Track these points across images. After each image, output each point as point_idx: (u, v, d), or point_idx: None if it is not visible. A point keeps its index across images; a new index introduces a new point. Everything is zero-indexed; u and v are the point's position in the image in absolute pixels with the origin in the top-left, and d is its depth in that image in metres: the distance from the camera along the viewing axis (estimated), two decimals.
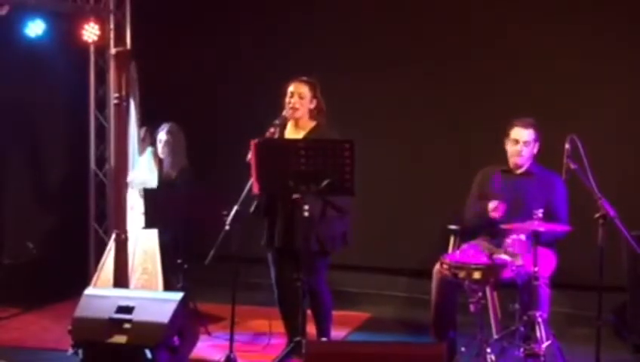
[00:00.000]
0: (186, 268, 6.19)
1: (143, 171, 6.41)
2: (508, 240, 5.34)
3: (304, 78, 5.54)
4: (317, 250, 5.35)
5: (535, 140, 5.59)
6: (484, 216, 5.55)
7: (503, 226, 5.33)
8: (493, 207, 5.47)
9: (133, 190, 6.27)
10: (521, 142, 5.57)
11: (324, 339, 5.58)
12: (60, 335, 5.70)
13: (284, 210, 5.38)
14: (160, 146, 6.51)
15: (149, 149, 6.55)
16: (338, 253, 5.59)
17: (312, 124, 5.53)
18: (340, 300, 6.64)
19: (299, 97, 5.48)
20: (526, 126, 5.58)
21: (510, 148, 5.62)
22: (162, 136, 6.49)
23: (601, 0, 6.64)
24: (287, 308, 5.59)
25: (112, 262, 5.75)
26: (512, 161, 5.63)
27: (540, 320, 5.08)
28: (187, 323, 5.29)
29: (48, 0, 7.13)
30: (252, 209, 5.47)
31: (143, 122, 6.39)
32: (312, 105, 5.52)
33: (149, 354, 4.91)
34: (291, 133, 5.55)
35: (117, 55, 5.87)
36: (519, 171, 5.65)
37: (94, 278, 6.22)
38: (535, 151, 5.62)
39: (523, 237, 5.27)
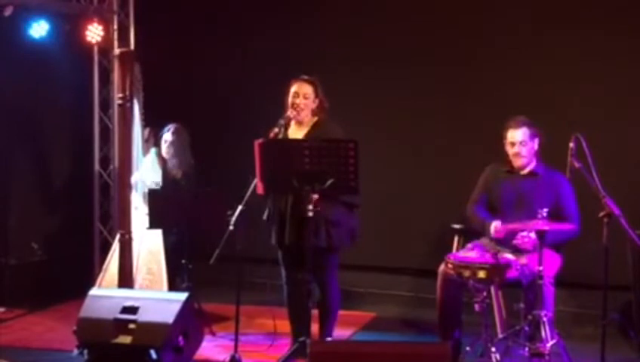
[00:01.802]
0: (190, 269, 6.20)
1: (147, 172, 6.41)
2: (517, 238, 5.35)
3: (306, 78, 5.53)
4: (325, 246, 5.35)
5: (532, 137, 5.55)
6: (485, 230, 5.56)
7: (509, 226, 5.33)
8: (496, 230, 5.47)
9: (137, 193, 6.27)
10: (517, 144, 5.55)
11: (329, 339, 5.58)
12: (65, 336, 5.70)
13: (294, 208, 5.38)
14: (165, 147, 6.53)
15: (153, 150, 6.56)
16: (347, 250, 5.59)
17: (314, 119, 5.54)
18: (345, 300, 6.63)
19: (304, 97, 5.48)
20: (518, 125, 5.54)
21: (509, 150, 5.60)
22: (167, 136, 6.52)
23: None
24: (296, 309, 5.61)
25: (116, 262, 5.75)
26: (515, 162, 5.61)
27: (544, 319, 5.06)
28: (192, 323, 5.29)
29: (52, 1, 7.14)
30: (265, 216, 5.51)
31: (146, 123, 6.40)
32: (315, 105, 5.53)
33: (153, 355, 4.91)
34: (294, 130, 5.55)
35: (121, 55, 5.88)
36: (524, 172, 5.63)
37: (99, 279, 6.22)
38: (536, 147, 5.59)
39: (533, 234, 5.25)
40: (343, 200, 5.37)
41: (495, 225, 5.48)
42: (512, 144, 5.57)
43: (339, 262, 5.61)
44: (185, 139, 6.55)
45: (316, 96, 5.51)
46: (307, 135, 5.48)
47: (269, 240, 5.59)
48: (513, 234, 5.42)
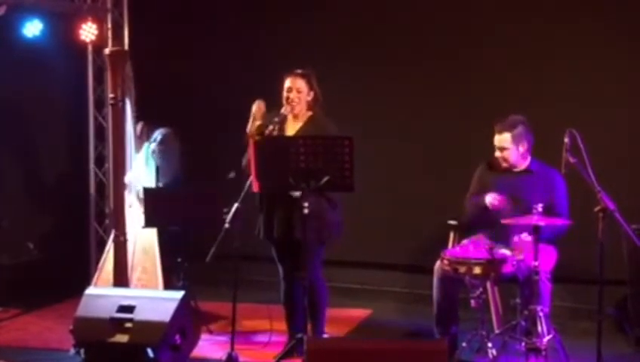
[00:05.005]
0: (186, 267, 6.19)
1: (140, 171, 6.37)
2: (515, 238, 5.34)
3: (299, 71, 5.51)
4: (312, 238, 5.26)
5: (516, 141, 5.51)
6: (483, 206, 5.53)
7: (504, 222, 5.33)
8: (493, 198, 5.45)
9: (130, 193, 6.24)
10: (497, 149, 5.55)
11: (325, 336, 5.58)
12: (62, 335, 5.71)
13: (283, 202, 5.37)
14: (154, 156, 6.45)
15: (146, 145, 6.51)
16: (334, 244, 5.57)
17: (308, 113, 5.52)
18: (341, 296, 6.67)
19: (297, 92, 5.48)
20: (501, 130, 5.53)
21: (496, 152, 5.61)
22: (154, 147, 6.38)
23: None
24: (291, 305, 5.62)
25: (111, 261, 5.74)
26: (501, 163, 5.62)
27: (541, 314, 5.07)
28: (188, 321, 5.29)
29: (46, 0, 7.12)
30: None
31: (139, 119, 6.35)
32: (310, 98, 5.52)
33: (150, 353, 4.91)
34: (290, 124, 5.54)
35: (111, 55, 5.85)
36: (518, 169, 5.62)
37: (95, 278, 6.21)
38: (522, 149, 5.55)
39: (529, 237, 5.24)
40: (326, 196, 5.34)
41: (490, 195, 5.45)
42: (496, 148, 5.57)
43: (324, 257, 5.59)
44: (173, 146, 6.41)
45: (310, 88, 5.50)
46: (301, 130, 5.48)
47: (257, 232, 5.57)
48: (506, 230, 5.41)
